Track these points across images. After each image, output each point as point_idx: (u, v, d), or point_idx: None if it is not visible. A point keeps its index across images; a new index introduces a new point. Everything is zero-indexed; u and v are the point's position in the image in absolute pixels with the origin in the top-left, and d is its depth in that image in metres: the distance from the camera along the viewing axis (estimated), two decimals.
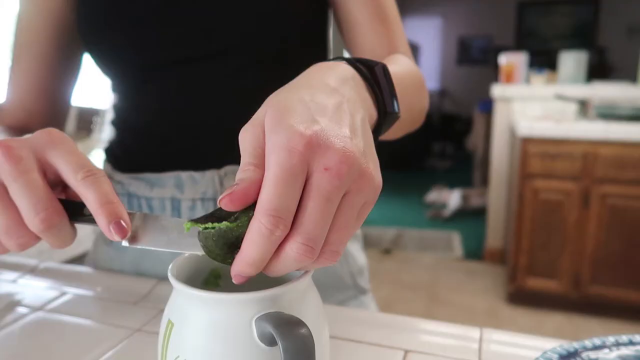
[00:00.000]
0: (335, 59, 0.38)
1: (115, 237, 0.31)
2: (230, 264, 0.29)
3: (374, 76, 0.37)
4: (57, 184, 0.34)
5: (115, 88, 0.63)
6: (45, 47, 0.61)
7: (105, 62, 0.59)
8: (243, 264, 0.28)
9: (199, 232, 0.30)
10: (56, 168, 0.33)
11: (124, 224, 0.31)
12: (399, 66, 0.49)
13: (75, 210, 0.33)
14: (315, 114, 0.29)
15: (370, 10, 0.59)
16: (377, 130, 0.37)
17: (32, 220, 0.31)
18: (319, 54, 0.64)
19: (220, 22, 0.54)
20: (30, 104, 0.62)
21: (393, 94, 0.38)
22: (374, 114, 0.36)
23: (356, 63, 0.37)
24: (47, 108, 0.64)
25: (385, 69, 0.38)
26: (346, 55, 0.50)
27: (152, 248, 0.32)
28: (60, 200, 0.33)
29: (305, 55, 0.61)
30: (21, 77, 0.62)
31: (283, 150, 0.27)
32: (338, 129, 0.29)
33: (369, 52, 0.59)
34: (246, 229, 0.28)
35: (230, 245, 0.29)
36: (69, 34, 0.62)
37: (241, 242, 0.28)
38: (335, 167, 0.27)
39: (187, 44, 0.55)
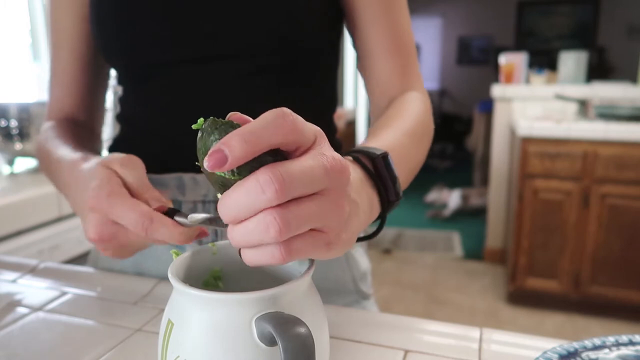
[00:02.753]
0: (342, 154, 0.41)
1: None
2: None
3: (376, 169, 0.40)
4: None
5: (122, 81, 0.63)
6: (76, 46, 0.65)
7: (114, 56, 0.59)
8: (237, 134, 0.26)
9: (209, 122, 0.29)
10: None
11: (201, 233, 0.42)
12: (403, 124, 0.52)
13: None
14: None
15: (388, 40, 0.58)
16: (382, 217, 0.41)
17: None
18: (330, 64, 0.64)
19: (232, 26, 0.54)
20: (71, 100, 0.66)
21: (395, 183, 0.41)
22: (376, 207, 0.40)
23: (359, 157, 0.41)
24: (87, 102, 0.68)
25: (385, 159, 0.41)
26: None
27: None
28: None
29: (315, 64, 0.60)
30: (59, 76, 0.66)
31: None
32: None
33: (381, 82, 0.60)
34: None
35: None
36: None
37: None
38: (330, 157, 0.29)
39: (197, 44, 0.55)
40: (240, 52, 0.55)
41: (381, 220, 0.42)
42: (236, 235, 0.28)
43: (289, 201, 0.27)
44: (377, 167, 0.40)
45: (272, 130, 0.27)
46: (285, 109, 0.28)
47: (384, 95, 0.60)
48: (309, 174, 0.27)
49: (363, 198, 0.37)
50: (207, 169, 0.26)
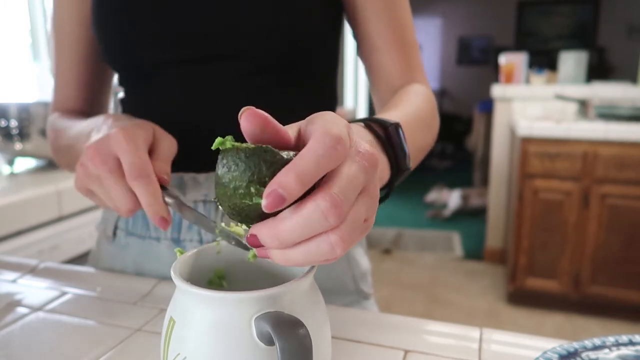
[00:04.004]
0: (352, 121, 0.41)
1: (161, 228, 0.44)
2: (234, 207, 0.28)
3: (388, 136, 0.41)
4: None
5: (123, 83, 0.64)
6: (80, 48, 0.65)
7: (116, 58, 0.59)
8: (293, 174, 0.25)
9: (235, 155, 0.27)
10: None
11: (165, 217, 0.43)
12: (409, 107, 0.52)
13: None
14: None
15: (390, 34, 0.59)
16: (390, 185, 0.42)
17: (120, 210, 0.44)
18: (329, 65, 0.64)
19: (231, 26, 0.54)
20: (76, 101, 0.68)
21: (405, 152, 0.41)
22: (386, 173, 0.40)
23: (371, 124, 0.41)
24: (91, 102, 0.69)
25: (397, 128, 0.41)
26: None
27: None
28: None
29: (315, 64, 0.61)
30: (63, 76, 0.67)
31: (330, 118, 0.29)
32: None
33: (385, 77, 0.60)
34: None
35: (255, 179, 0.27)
36: None
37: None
38: (366, 154, 0.29)
39: (197, 44, 0.55)
40: (240, 52, 0.55)
41: (389, 188, 0.42)
42: (294, 257, 0.28)
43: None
44: (389, 134, 0.40)
45: (325, 164, 0.26)
46: (341, 134, 0.27)
47: (389, 90, 0.60)
48: (356, 183, 0.27)
49: None
50: (265, 209, 0.25)
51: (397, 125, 0.41)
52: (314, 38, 0.58)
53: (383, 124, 0.41)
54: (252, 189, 0.26)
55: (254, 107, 0.28)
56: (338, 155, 0.26)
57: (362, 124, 0.41)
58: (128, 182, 0.42)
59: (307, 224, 0.26)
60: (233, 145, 0.27)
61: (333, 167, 0.27)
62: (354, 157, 0.28)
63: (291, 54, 0.56)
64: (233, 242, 0.37)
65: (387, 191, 0.42)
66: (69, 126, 0.60)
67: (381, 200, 0.43)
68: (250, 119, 0.28)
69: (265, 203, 0.25)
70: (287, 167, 0.26)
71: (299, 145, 0.29)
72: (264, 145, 0.27)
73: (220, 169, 0.27)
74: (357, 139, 0.29)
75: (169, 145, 0.49)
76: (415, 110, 0.52)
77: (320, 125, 0.28)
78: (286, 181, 0.25)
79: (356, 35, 0.62)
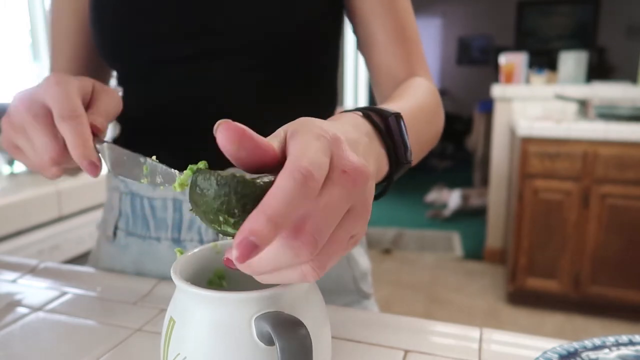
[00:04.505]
0: (349, 110, 0.39)
1: (90, 174, 0.40)
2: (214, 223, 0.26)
3: (388, 128, 0.38)
4: None
5: (122, 81, 0.63)
6: (76, 47, 0.65)
7: (114, 55, 0.59)
8: (263, 217, 0.23)
9: (197, 172, 0.26)
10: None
11: (95, 162, 0.40)
12: (413, 99, 0.50)
13: None
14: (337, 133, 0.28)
15: (391, 30, 0.58)
16: (389, 178, 0.39)
17: (43, 162, 0.41)
18: (330, 63, 0.64)
19: (231, 22, 0.54)
20: None
21: (406, 145, 0.39)
22: (384, 166, 0.38)
23: (370, 114, 0.38)
24: None
25: (398, 119, 0.39)
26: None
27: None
28: None
29: (316, 62, 0.61)
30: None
31: (310, 137, 0.26)
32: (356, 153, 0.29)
33: (385, 71, 0.59)
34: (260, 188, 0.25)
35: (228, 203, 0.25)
36: None
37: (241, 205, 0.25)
38: (352, 173, 0.26)
39: (196, 41, 0.55)
40: (239, 49, 0.55)
41: (388, 182, 0.40)
42: (268, 279, 0.27)
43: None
44: (388, 125, 0.38)
45: (297, 203, 0.24)
46: (314, 164, 0.24)
47: (390, 85, 0.59)
48: (337, 212, 0.25)
49: (371, 159, 0.34)
50: (236, 261, 0.23)
51: (397, 116, 0.39)
52: (315, 36, 0.58)
53: (383, 114, 0.39)
54: (221, 218, 0.25)
55: (229, 120, 0.26)
56: (310, 192, 0.24)
57: (360, 113, 0.38)
58: (56, 123, 0.39)
59: (277, 259, 0.25)
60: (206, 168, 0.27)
61: (307, 205, 0.24)
62: (337, 179, 0.26)
63: (291, 52, 0.56)
64: (159, 179, 0.35)
65: (385, 185, 0.40)
66: None
67: (379, 195, 0.41)
68: (225, 133, 0.25)
69: (236, 254, 0.23)
70: (257, 209, 0.23)
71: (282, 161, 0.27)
72: (237, 175, 0.25)
73: (191, 189, 0.26)
74: (344, 154, 0.27)
75: (109, 101, 0.45)
76: (417, 103, 0.50)
77: (296, 149, 0.25)
78: (257, 227, 0.23)
79: (358, 34, 0.62)
